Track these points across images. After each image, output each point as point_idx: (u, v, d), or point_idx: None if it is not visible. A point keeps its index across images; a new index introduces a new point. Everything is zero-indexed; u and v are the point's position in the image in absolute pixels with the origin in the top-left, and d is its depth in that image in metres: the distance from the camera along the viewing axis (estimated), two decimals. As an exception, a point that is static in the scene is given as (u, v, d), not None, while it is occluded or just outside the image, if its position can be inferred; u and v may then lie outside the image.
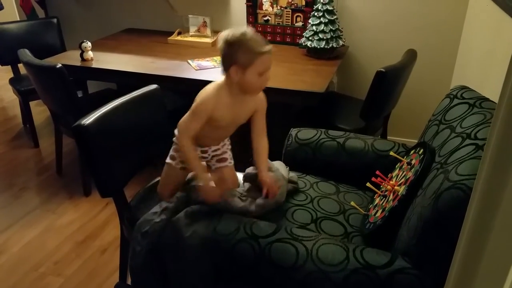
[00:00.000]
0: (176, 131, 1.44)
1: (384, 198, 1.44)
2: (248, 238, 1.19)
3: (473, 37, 2.23)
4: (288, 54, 2.57)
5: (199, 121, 1.35)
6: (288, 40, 2.71)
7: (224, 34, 1.28)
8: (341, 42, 2.44)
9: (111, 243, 2.05)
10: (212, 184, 1.37)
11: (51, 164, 2.71)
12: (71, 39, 3.07)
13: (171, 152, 1.51)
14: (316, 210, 1.50)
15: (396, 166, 1.55)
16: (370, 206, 1.52)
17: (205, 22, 2.78)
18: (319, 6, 2.41)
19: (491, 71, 1.67)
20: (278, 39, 2.73)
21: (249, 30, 1.29)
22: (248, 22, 2.76)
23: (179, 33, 2.83)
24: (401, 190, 1.32)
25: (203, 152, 1.51)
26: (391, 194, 1.39)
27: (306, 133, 1.81)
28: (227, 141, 1.59)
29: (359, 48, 2.67)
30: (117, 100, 1.53)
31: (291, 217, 1.44)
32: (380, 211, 1.38)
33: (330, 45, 2.40)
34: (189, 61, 2.37)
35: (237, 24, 2.87)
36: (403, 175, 1.41)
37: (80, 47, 2.36)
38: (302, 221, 1.43)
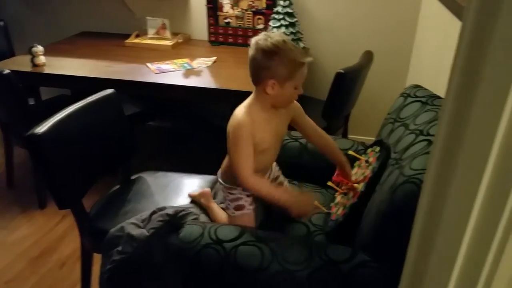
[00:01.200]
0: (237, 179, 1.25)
1: (345, 196, 1.47)
2: (213, 243, 1.18)
3: (425, 38, 2.32)
4: (249, 56, 2.58)
5: (249, 147, 1.19)
6: (250, 42, 2.72)
7: (261, 42, 1.14)
8: (302, 44, 2.48)
9: (70, 256, 1.97)
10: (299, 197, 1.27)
11: (0, 177, 2.56)
12: (20, 44, 2.94)
13: (233, 203, 1.35)
14: (278, 213, 1.51)
15: (355, 165, 1.59)
16: (332, 204, 1.55)
17: (164, 24, 2.75)
18: (279, 9, 2.43)
19: (441, 70, 1.75)
20: (240, 41, 2.73)
21: (286, 37, 1.17)
22: (209, 24, 2.75)
23: (137, 36, 2.78)
24: (360, 187, 1.35)
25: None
26: (351, 192, 1.42)
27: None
28: (274, 164, 1.47)
29: (319, 50, 2.71)
30: (72, 107, 1.48)
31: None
32: (341, 208, 1.41)
33: (290, 46, 2.43)
34: (148, 64, 2.33)
35: (197, 26, 2.85)
36: (361, 172, 1.45)
37: (30, 52, 2.24)
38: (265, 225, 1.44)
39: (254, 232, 1.24)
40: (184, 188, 1.68)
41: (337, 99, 2.13)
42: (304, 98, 2.57)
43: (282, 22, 2.44)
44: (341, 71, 2.03)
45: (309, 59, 1.18)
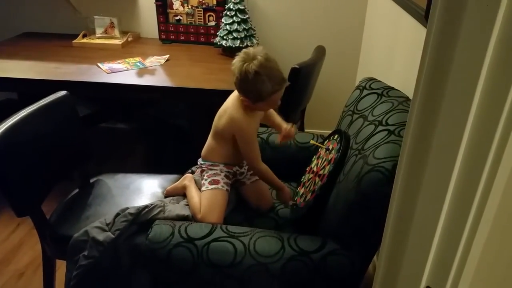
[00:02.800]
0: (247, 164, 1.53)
1: (309, 185, 1.52)
2: (184, 241, 1.17)
3: (374, 32, 2.43)
4: (203, 54, 2.56)
5: (256, 142, 1.45)
6: (202, 39, 2.70)
7: (238, 64, 1.30)
8: (254, 41, 2.50)
9: (29, 266, 1.87)
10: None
11: None
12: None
13: (210, 178, 1.49)
14: (247, 209, 1.53)
15: (313, 158, 1.64)
16: (296, 197, 1.59)
17: (112, 23, 2.66)
18: (231, 5, 2.43)
19: (393, 63, 1.84)
20: (192, 39, 2.71)
21: (263, 63, 1.29)
22: (159, 22, 2.69)
23: (84, 36, 2.67)
24: (327, 168, 1.40)
25: (240, 167, 1.56)
26: (317, 178, 1.47)
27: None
28: None
29: (271, 46, 2.75)
30: (24, 110, 1.40)
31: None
32: (309, 194, 1.45)
33: (245, 43, 2.44)
34: (99, 64, 2.25)
35: (147, 24, 2.79)
36: (323, 160, 1.50)
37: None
38: (236, 221, 1.45)
39: (224, 228, 1.25)
40: (145, 188, 1.65)
41: (293, 94, 2.17)
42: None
43: (235, 18, 2.44)
44: (296, 66, 2.08)
45: (280, 87, 1.35)
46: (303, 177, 1.66)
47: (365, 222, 1.13)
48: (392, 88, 1.51)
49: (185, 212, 1.45)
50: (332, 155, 1.44)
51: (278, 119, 1.61)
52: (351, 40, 2.73)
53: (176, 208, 1.46)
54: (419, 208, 0.62)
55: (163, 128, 2.83)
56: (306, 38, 2.72)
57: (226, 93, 2.03)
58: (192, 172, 1.72)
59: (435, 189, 0.59)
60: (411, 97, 1.46)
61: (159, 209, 1.41)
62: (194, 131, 2.22)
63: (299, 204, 1.51)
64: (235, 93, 1.46)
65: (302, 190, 1.57)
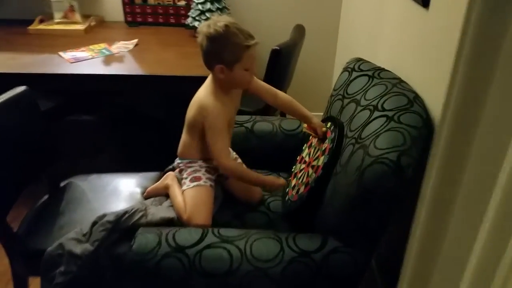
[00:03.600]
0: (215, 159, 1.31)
1: (301, 176, 1.43)
2: (173, 251, 1.07)
3: (354, 8, 2.32)
4: (175, 36, 2.39)
5: (226, 133, 1.29)
6: (172, 21, 2.52)
7: (204, 28, 1.18)
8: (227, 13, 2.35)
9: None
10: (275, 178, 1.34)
11: None
12: None
13: (190, 175, 1.37)
14: (236, 204, 1.43)
15: (304, 147, 1.54)
16: (288, 189, 1.50)
17: (72, 6, 2.44)
18: (202, -17, 2.27)
19: (379, 42, 1.75)
20: (161, 20, 2.53)
21: (231, 21, 1.19)
22: (124, 3, 2.49)
23: (41, 21, 2.43)
24: (322, 159, 1.31)
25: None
26: (310, 169, 1.38)
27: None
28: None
29: (248, 26, 2.54)
30: (-22, 111, 1.23)
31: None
32: (302, 187, 1.36)
33: (218, 24, 2.29)
34: (61, 53, 2.05)
35: (110, 6, 2.58)
36: (316, 150, 1.41)
37: None
38: (225, 219, 1.35)
39: (216, 232, 1.14)
40: (123, 190, 1.52)
41: (274, 77, 2.06)
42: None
43: (207, -3, 2.28)
44: (277, 47, 1.97)
45: (253, 41, 1.20)
46: (294, 167, 1.57)
47: (368, 218, 1.05)
48: (383, 69, 1.42)
49: (170, 214, 1.34)
50: (326, 144, 1.34)
51: (305, 110, 1.45)
52: (328, 17, 2.62)
53: (159, 210, 1.34)
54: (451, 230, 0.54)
55: (137, 120, 2.63)
56: (284, 17, 2.59)
57: (202, 80, 1.89)
58: (174, 169, 1.60)
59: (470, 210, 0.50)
60: (403, 77, 1.39)
61: (140, 213, 1.29)
62: (171, 122, 2.07)
63: (292, 197, 1.42)
64: (207, 81, 1.33)
65: (294, 182, 1.48)
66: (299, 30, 2.22)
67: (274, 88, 1.45)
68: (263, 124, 1.69)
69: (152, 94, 2.41)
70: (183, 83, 1.89)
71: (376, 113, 1.18)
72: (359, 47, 2.15)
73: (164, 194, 1.47)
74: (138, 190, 1.51)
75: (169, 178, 1.49)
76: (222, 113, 1.27)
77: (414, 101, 1.18)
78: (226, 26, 1.18)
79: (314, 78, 2.78)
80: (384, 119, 1.12)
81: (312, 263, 1.08)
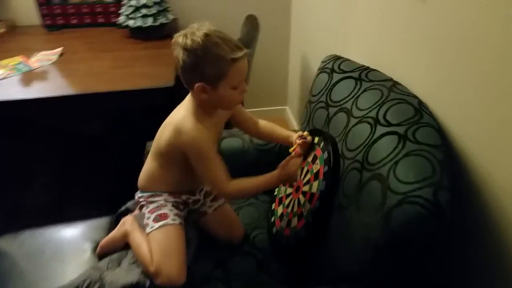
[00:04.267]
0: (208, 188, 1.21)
1: (290, 203, 1.20)
2: None
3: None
4: (107, 39, 2.03)
5: (217, 157, 1.05)
6: (101, 20, 2.14)
7: (180, 39, 0.96)
8: (170, 16, 2.02)
9: None
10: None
11: None
12: None
13: (154, 213, 1.13)
14: (215, 247, 1.18)
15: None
16: (274, 218, 1.26)
17: (-29, 11, 1.99)
18: (133, -25, 1.92)
19: (350, 34, 1.53)
20: (87, 21, 2.14)
21: (212, 29, 0.96)
22: (39, 3, 2.08)
23: None
24: (317, 186, 1.08)
25: (192, 194, 1.21)
26: (301, 196, 1.15)
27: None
28: None
29: (192, 20, 2.26)
30: None
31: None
32: (295, 219, 1.13)
33: (159, 21, 1.96)
34: (-37, 73, 1.64)
35: (21, 8, 2.15)
36: (305, 171, 1.18)
37: None
38: (203, 270, 1.10)
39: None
40: (68, 249, 1.21)
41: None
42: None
43: (140, -9, 1.94)
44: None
45: (241, 53, 0.96)
46: (277, 190, 1.34)
47: (400, 267, 0.85)
48: (369, 69, 1.21)
49: (133, 276, 1.06)
50: (319, 166, 1.12)
51: (284, 131, 1.23)
52: (278, 4, 2.37)
53: (118, 275, 1.06)
54: None
55: (74, 147, 2.18)
56: (231, 7, 2.30)
57: (152, 93, 1.58)
58: (128, 211, 1.31)
59: None
60: (394, 78, 1.19)
61: (96, 285, 0.99)
62: (121, 146, 1.74)
63: (281, 230, 1.19)
64: (185, 100, 1.08)
65: (281, 209, 1.25)
66: (252, 22, 1.95)
67: (254, 118, 1.24)
68: (232, 141, 1.44)
69: (88, 112, 2.04)
70: (124, 99, 1.57)
71: (381, 129, 0.96)
72: (320, 37, 1.93)
73: (123, 245, 1.18)
74: (87, 246, 1.20)
75: (128, 223, 1.21)
76: (207, 136, 1.03)
77: (420, 109, 0.98)
78: (206, 35, 0.94)
79: (269, 71, 2.54)
80: (395, 137, 0.91)
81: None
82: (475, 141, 0.90)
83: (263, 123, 1.24)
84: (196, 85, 0.97)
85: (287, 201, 1.24)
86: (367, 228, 0.85)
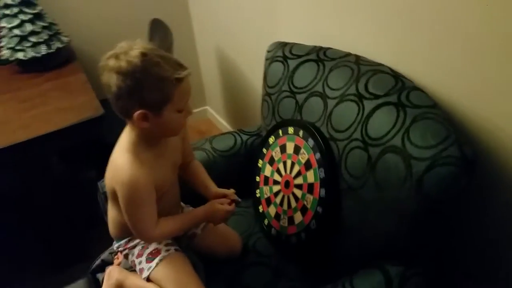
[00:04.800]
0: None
1: (283, 201, 1.16)
2: None
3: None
4: (-6, 80, 1.71)
5: (152, 203, 0.94)
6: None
7: (111, 62, 0.82)
8: (65, 39, 1.78)
9: None
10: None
11: None
12: None
13: (144, 255, 1.04)
14: (220, 265, 1.11)
15: (261, 165, 1.26)
16: (267, 221, 1.22)
17: None
18: (9, 0, 1.63)
19: (279, 18, 1.52)
20: (-40, 65, 1.78)
21: (148, 46, 0.84)
22: None
23: None
24: (312, 174, 1.07)
25: None
26: (297, 190, 1.12)
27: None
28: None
29: (86, 38, 2.02)
30: None
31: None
32: (298, 214, 1.11)
33: (54, 47, 1.72)
34: None
35: None
36: (291, 165, 1.15)
37: None
38: None
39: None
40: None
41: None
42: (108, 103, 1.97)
43: (22, 17, 1.67)
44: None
45: (185, 71, 0.87)
46: (258, 191, 1.28)
47: (437, 228, 0.87)
48: (323, 48, 1.21)
49: None
50: (307, 155, 1.10)
51: (207, 180, 1.13)
52: (175, 3, 2.25)
53: None
54: None
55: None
56: (126, 14, 2.12)
57: (86, 127, 1.38)
58: (105, 264, 1.17)
59: None
60: (352, 51, 1.20)
61: None
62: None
63: (283, 230, 1.15)
64: (122, 134, 0.96)
65: (273, 210, 1.21)
66: (160, 26, 1.82)
67: (193, 155, 1.17)
68: (195, 155, 1.33)
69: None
70: (54, 140, 1.35)
71: (370, 103, 0.97)
72: (237, 27, 1.88)
73: None
74: None
75: (115, 272, 1.10)
76: (143, 180, 0.90)
77: (397, 75, 1.01)
78: (144, 54, 0.82)
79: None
80: (391, 107, 0.93)
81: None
82: (451, 92, 0.96)
83: (196, 163, 1.15)
84: (136, 113, 0.85)
85: (278, 200, 1.20)
86: (395, 202, 0.86)
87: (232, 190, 1.10)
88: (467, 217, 1.01)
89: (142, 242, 1.06)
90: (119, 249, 1.09)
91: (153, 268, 1.01)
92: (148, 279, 1.02)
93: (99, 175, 1.85)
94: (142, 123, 0.86)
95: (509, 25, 0.79)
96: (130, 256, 1.08)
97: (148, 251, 1.04)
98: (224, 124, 2.50)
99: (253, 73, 1.92)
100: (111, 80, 0.83)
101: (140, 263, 1.04)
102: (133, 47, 0.83)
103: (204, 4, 2.13)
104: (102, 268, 1.21)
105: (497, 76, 0.85)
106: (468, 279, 1.11)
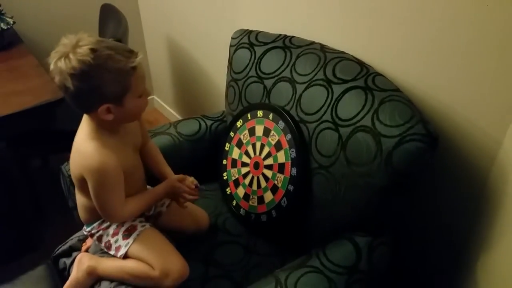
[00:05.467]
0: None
1: (253, 182, 1.21)
2: None
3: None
4: None
5: (120, 185, 0.96)
6: None
7: (61, 64, 0.82)
8: (10, 21, 1.66)
9: None
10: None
11: None
12: None
13: (120, 234, 1.04)
14: (194, 249, 1.13)
15: (228, 147, 1.30)
16: (235, 201, 1.26)
17: None
18: None
19: (239, 7, 1.55)
20: None
21: (94, 40, 0.84)
22: None
23: None
24: (283, 154, 1.13)
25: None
26: (267, 170, 1.17)
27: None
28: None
29: (32, 22, 1.90)
30: None
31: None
32: (268, 193, 1.17)
33: (-1, 27, 1.60)
34: None
35: None
36: (260, 146, 1.20)
37: None
38: (197, 271, 1.08)
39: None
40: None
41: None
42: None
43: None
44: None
45: (137, 58, 0.89)
46: (225, 173, 1.31)
47: (402, 200, 0.97)
48: (287, 36, 1.27)
49: None
50: (277, 137, 1.15)
51: (164, 167, 1.15)
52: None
53: None
54: None
55: None
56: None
57: (41, 111, 1.31)
58: (72, 249, 1.16)
59: None
60: (314, 39, 1.26)
61: None
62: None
63: (252, 209, 1.20)
64: (82, 122, 0.98)
65: (242, 191, 1.25)
66: (113, 13, 1.77)
67: (149, 137, 1.18)
68: (161, 139, 1.34)
69: None
70: (12, 123, 1.27)
71: (338, 87, 1.05)
72: (192, 14, 1.88)
73: (91, 283, 1.06)
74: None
75: (86, 259, 1.08)
76: (112, 165, 0.92)
77: (361, 62, 1.10)
78: (93, 50, 0.82)
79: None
80: (359, 91, 1.01)
81: (364, 276, 0.96)
82: (408, 76, 1.07)
83: (151, 144, 1.16)
84: (100, 108, 0.88)
85: (247, 181, 1.24)
86: (366, 176, 0.94)
87: (191, 178, 1.11)
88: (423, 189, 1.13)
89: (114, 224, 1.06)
90: (92, 231, 1.07)
91: (131, 244, 1.02)
92: (125, 256, 1.02)
93: (45, 164, 1.77)
94: (106, 115, 0.89)
95: (454, 10, 0.90)
96: (104, 237, 1.07)
97: (123, 228, 1.05)
98: (173, 113, 2.47)
99: (208, 60, 1.93)
100: (66, 82, 0.83)
101: (116, 241, 1.05)
102: (79, 43, 0.83)
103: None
104: (66, 254, 1.18)
105: (453, 63, 0.96)
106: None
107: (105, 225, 1.07)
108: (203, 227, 1.21)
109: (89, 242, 1.15)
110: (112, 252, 1.05)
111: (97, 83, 0.84)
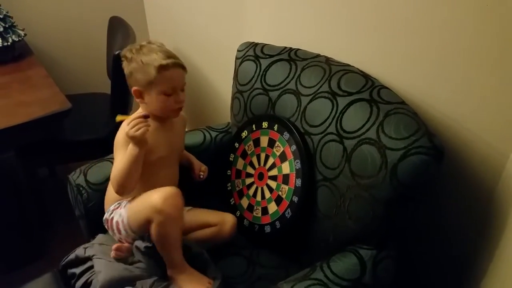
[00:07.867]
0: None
1: (257, 192, 1.21)
2: None
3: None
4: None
5: (133, 159, 1.05)
6: None
7: (124, 52, 1.13)
8: (21, 33, 1.70)
9: None
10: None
11: None
12: None
13: (121, 207, 1.12)
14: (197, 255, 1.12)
15: (232, 158, 1.30)
16: (239, 212, 1.26)
17: None
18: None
19: (245, 20, 1.57)
20: None
21: (152, 41, 1.13)
22: None
23: None
24: (287, 166, 1.13)
25: None
26: (272, 181, 1.18)
27: (97, 172, 1.26)
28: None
29: (42, 34, 1.94)
30: None
31: None
32: (272, 204, 1.17)
33: (10, 40, 1.63)
34: None
35: None
36: (266, 158, 1.21)
37: None
38: None
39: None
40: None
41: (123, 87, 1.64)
42: (77, 100, 1.88)
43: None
44: (119, 51, 1.55)
45: (168, 61, 1.09)
46: (229, 184, 1.32)
47: (407, 213, 0.96)
48: (293, 49, 1.28)
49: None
50: (282, 148, 1.16)
51: (193, 158, 1.33)
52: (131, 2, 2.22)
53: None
54: None
55: None
56: (82, 12, 2.05)
57: (49, 121, 1.33)
58: (80, 258, 1.17)
59: None
60: (319, 52, 1.27)
61: None
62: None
63: (256, 220, 1.20)
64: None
65: (246, 202, 1.25)
66: (121, 25, 1.80)
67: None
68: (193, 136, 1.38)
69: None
70: (19, 133, 1.29)
71: (343, 99, 1.05)
72: (198, 27, 1.91)
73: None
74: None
75: (124, 249, 1.13)
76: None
77: (366, 75, 1.10)
78: (142, 45, 1.11)
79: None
80: (364, 103, 1.01)
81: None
82: (414, 89, 1.07)
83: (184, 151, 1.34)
84: (132, 89, 1.11)
85: (251, 192, 1.25)
86: (370, 189, 0.94)
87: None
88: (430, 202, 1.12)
89: (126, 200, 1.13)
90: (112, 209, 1.14)
91: (127, 205, 1.11)
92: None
93: (52, 173, 1.78)
94: (137, 99, 1.13)
95: (465, 24, 0.90)
96: (116, 216, 1.12)
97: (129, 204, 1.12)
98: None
99: (214, 73, 1.95)
100: (124, 64, 1.12)
101: (124, 208, 1.12)
102: (143, 42, 1.12)
103: (161, 4, 2.13)
104: (73, 263, 1.18)
105: (458, 76, 0.96)
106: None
107: (119, 203, 1.15)
108: (231, 226, 1.19)
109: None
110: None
111: (132, 68, 1.09)
